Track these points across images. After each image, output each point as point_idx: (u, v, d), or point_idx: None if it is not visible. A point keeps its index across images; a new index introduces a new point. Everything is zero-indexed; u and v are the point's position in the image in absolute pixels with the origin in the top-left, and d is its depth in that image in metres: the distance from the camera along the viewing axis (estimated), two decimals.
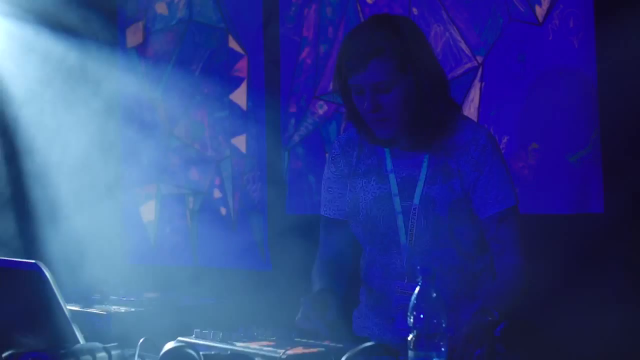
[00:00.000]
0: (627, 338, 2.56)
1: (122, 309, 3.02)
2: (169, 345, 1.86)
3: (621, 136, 2.67)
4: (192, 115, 4.02)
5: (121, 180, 4.28)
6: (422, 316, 1.61)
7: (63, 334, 1.89)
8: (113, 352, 1.90)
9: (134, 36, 4.29)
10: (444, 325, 1.61)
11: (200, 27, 4.01)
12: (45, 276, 1.87)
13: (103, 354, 1.88)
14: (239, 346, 1.99)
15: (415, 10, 3.19)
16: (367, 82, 2.22)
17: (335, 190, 2.45)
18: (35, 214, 3.97)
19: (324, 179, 2.49)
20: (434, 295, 1.63)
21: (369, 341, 1.89)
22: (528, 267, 2.28)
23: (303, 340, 2.04)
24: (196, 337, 2.09)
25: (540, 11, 2.87)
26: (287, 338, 2.06)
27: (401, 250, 2.32)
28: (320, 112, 3.53)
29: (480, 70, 3.03)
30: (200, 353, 1.83)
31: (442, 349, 1.62)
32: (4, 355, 1.86)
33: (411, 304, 1.63)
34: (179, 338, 2.08)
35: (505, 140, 2.95)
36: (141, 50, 4.25)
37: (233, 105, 3.87)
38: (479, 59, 3.03)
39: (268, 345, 1.98)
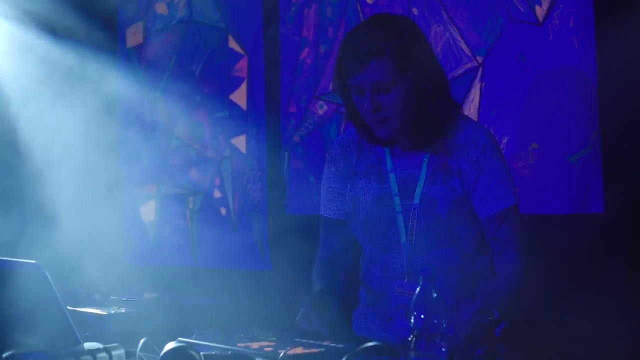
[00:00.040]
0: (627, 338, 2.56)
1: (122, 309, 3.02)
2: (170, 345, 1.86)
3: (621, 136, 2.67)
4: (192, 115, 4.02)
5: (121, 180, 4.28)
6: (422, 316, 1.61)
7: (63, 334, 1.88)
8: (113, 353, 1.90)
9: (134, 36, 4.29)
10: (444, 325, 1.61)
11: (200, 27, 4.01)
12: (45, 276, 1.87)
13: (103, 354, 1.88)
14: (240, 346, 1.99)
15: (415, 10, 3.19)
16: (367, 82, 2.22)
17: (335, 190, 2.45)
18: (35, 214, 3.96)
19: (324, 179, 2.49)
20: (435, 295, 1.63)
21: (369, 341, 1.89)
22: (528, 266, 2.28)
23: (303, 340, 2.04)
24: (196, 338, 2.08)
25: (540, 11, 2.87)
26: (288, 338, 2.06)
27: (401, 250, 2.32)
28: (320, 112, 3.53)
29: (480, 70, 3.03)
30: (201, 353, 1.83)
31: (443, 349, 1.62)
32: (4, 355, 1.86)
33: (412, 304, 1.63)
34: (180, 338, 2.08)
35: (505, 140, 2.95)
36: (141, 50, 4.25)
37: (233, 106, 3.87)
38: (479, 59, 3.03)
39: (268, 346, 1.98)
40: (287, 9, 3.64)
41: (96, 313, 2.94)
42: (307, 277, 2.48)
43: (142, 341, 1.95)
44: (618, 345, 2.55)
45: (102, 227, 4.00)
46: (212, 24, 3.95)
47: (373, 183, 2.36)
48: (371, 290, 2.41)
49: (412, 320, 1.62)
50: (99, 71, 4.11)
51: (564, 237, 2.78)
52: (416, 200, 2.30)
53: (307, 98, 3.57)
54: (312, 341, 2.03)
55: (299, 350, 1.93)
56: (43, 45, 3.99)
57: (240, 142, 3.84)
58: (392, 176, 2.34)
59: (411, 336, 1.62)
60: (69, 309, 1.90)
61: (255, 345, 1.99)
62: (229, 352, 1.95)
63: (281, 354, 1.88)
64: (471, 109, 3.03)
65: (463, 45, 3.07)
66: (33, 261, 1.91)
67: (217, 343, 2.03)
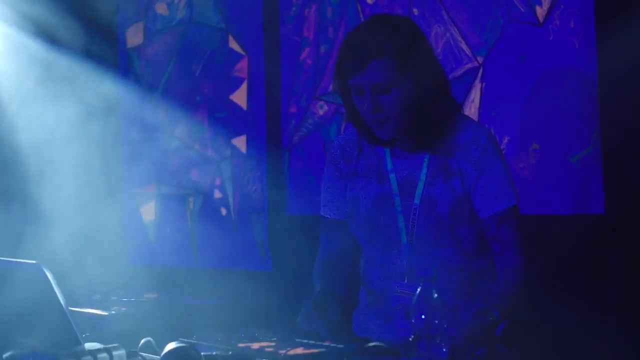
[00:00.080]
0: (627, 338, 2.56)
1: (123, 309, 3.02)
2: (171, 345, 1.86)
3: (622, 136, 2.67)
4: (193, 116, 4.02)
5: (121, 181, 4.28)
6: (423, 317, 1.61)
7: (63, 334, 1.88)
8: (114, 353, 1.90)
9: (134, 36, 4.29)
10: (445, 326, 1.62)
11: (200, 27, 4.01)
12: (46, 276, 1.87)
13: (104, 355, 1.88)
14: (240, 347, 1.99)
15: (415, 11, 3.19)
16: (367, 83, 2.22)
17: (335, 190, 2.45)
18: (36, 214, 3.96)
19: (324, 179, 2.48)
20: (435, 296, 1.63)
21: (370, 341, 1.89)
22: (528, 266, 2.28)
23: (304, 341, 2.04)
24: (197, 338, 2.08)
25: (540, 11, 2.87)
26: (288, 339, 2.06)
27: (401, 250, 2.32)
28: (321, 112, 3.53)
29: (480, 70, 3.03)
30: (202, 354, 1.83)
31: (443, 350, 1.62)
32: (4, 355, 1.86)
33: (412, 304, 1.63)
34: (181, 339, 2.08)
35: (505, 140, 2.95)
36: (141, 50, 4.25)
37: (233, 106, 3.87)
38: (480, 59, 3.03)
39: (269, 346, 1.98)
40: (288, 9, 3.64)
41: (97, 313, 2.94)
42: (307, 277, 2.48)
43: (143, 341, 1.95)
44: (618, 345, 2.55)
45: (102, 227, 4.00)
46: (212, 24, 3.95)
47: (373, 183, 2.36)
48: (371, 291, 2.41)
49: (413, 321, 1.62)
50: (99, 71, 4.11)
51: (565, 237, 2.78)
52: (416, 201, 2.30)
53: (308, 98, 3.57)
54: (313, 341, 2.03)
55: (299, 350, 1.93)
56: (43, 45, 3.99)
57: (240, 142, 3.84)
58: (392, 176, 2.34)
59: (412, 336, 1.62)
60: (69, 309, 1.89)
61: (255, 345, 1.99)
62: (230, 353, 1.95)
63: (282, 355, 1.88)
64: (472, 109, 3.03)
65: (463, 46, 3.07)
66: (33, 261, 1.90)
67: (217, 343, 2.03)
